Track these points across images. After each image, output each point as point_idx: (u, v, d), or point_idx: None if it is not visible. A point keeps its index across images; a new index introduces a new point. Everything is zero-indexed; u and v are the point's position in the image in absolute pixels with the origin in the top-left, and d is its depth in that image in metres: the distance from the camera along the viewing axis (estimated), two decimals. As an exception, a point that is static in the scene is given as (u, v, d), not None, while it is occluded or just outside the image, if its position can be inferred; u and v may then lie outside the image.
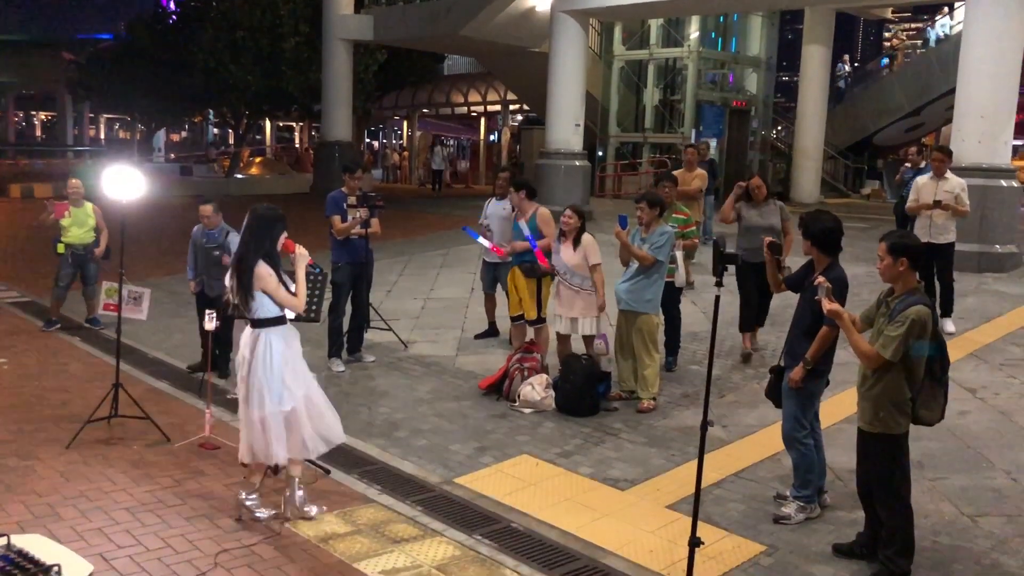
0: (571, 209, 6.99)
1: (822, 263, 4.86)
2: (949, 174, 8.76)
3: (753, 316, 8.04)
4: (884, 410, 4.21)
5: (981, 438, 6.18)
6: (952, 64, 23.90)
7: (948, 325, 8.61)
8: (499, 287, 8.78)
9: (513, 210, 8.61)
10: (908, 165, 12.01)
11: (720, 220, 8.36)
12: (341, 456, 5.86)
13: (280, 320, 4.80)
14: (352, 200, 7.91)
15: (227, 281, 4.89)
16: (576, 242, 6.90)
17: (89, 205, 9.26)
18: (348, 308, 8.08)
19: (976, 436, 6.23)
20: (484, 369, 7.81)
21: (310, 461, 5.60)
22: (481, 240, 8.06)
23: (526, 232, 7.45)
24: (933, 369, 4.17)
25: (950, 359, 4.34)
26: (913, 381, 4.16)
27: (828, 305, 4.31)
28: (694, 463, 5.79)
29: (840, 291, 4.68)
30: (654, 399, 6.82)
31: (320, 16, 23.49)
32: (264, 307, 4.75)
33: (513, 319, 7.75)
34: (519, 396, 6.87)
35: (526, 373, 6.98)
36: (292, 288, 4.83)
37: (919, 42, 31.24)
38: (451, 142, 51.27)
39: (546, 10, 19.45)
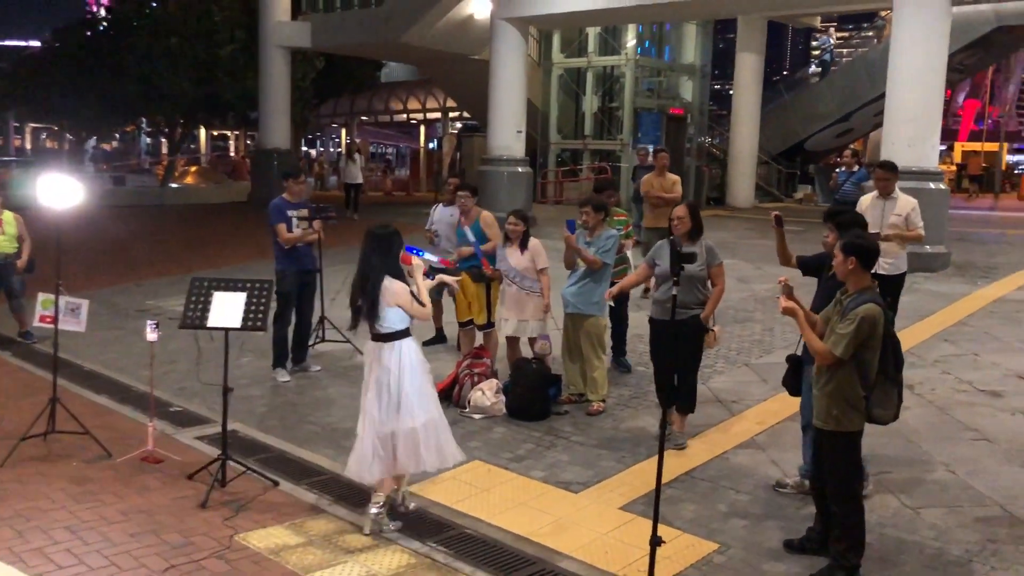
0: (514, 215, 7.02)
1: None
2: (898, 193, 7.53)
3: (668, 394, 6.15)
4: (838, 407, 4.28)
5: (920, 432, 6.34)
6: (879, 71, 24.66)
7: None
8: (445, 293, 8.74)
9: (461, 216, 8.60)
10: (842, 168, 12.29)
11: (627, 287, 6.73)
12: (289, 466, 5.78)
13: (408, 331, 4.93)
14: (304, 213, 7.82)
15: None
16: (523, 246, 6.94)
17: (9, 214, 8.97)
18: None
19: (915, 431, 6.39)
20: (432, 376, 7.73)
21: (256, 471, 5.51)
22: (427, 256, 7.98)
23: (471, 237, 7.44)
24: (887, 368, 4.24)
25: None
26: (866, 379, 4.23)
27: (783, 303, 4.38)
28: (645, 464, 5.89)
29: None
30: (603, 401, 6.86)
31: (256, 23, 23.17)
32: (392, 320, 4.85)
33: (461, 324, 7.73)
34: (469, 402, 6.84)
35: (476, 378, 6.96)
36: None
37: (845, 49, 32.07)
38: (390, 150, 51.09)
39: (486, 18, 19.51)
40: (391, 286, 4.82)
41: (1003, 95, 56.95)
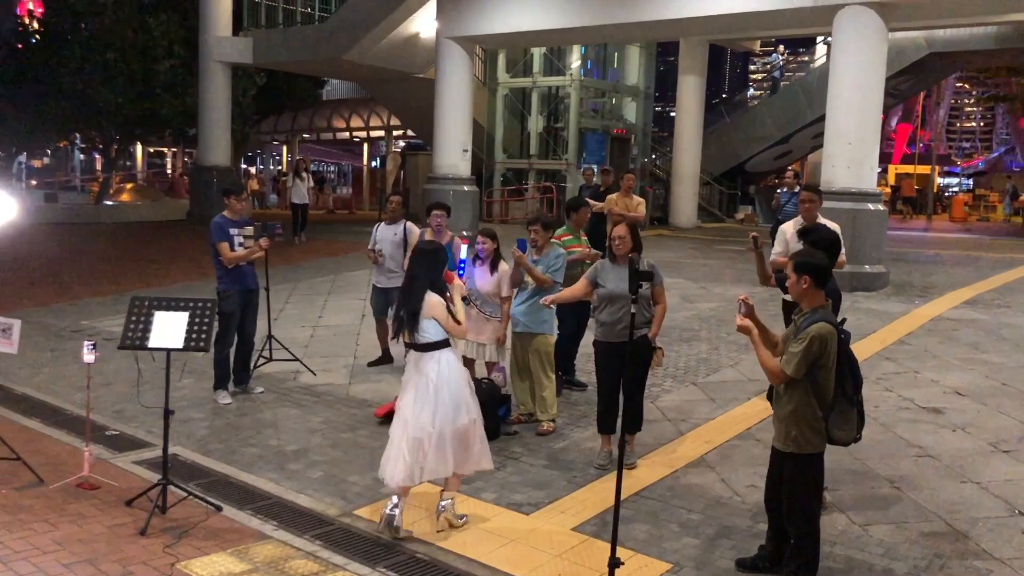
0: (483, 235, 6.91)
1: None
2: (821, 219, 6.88)
3: (613, 416, 6.15)
4: (796, 429, 4.26)
5: (866, 449, 6.41)
6: (817, 94, 25.34)
7: None
8: (391, 312, 8.62)
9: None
10: (784, 189, 12.53)
11: (563, 299, 6.53)
12: (233, 491, 5.61)
13: (448, 342, 5.14)
14: (249, 231, 7.66)
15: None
16: (493, 267, 6.84)
17: None
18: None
19: (861, 448, 6.43)
20: (379, 397, 7.64)
21: (198, 496, 5.34)
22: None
23: (462, 256, 7.28)
24: (845, 388, 4.23)
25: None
26: (823, 400, 4.22)
27: (739, 321, 4.38)
28: (596, 484, 5.85)
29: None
30: (553, 421, 6.82)
31: (196, 38, 22.81)
32: (429, 332, 5.05)
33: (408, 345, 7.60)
34: (417, 423, 6.73)
35: (424, 399, 6.85)
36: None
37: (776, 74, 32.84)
38: (332, 168, 50.67)
39: (430, 36, 19.52)
40: (430, 299, 5.05)
41: (933, 120, 58.84)
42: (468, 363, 7.13)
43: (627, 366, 5.86)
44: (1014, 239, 23.03)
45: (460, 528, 5.10)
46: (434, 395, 4.99)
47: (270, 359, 8.43)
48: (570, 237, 7.59)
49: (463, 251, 7.16)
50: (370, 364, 8.86)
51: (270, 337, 8.48)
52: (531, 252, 6.74)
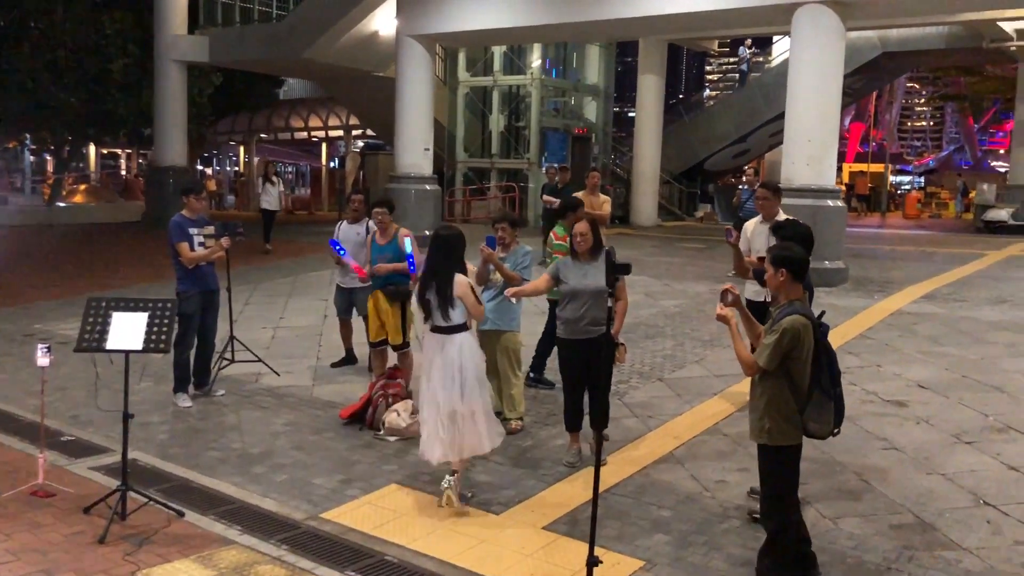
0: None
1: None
2: (781, 215, 6.84)
3: (580, 414, 6.16)
4: (770, 421, 4.25)
5: (832, 443, 6.37)
6: (774, 94, 25.59)
7: None
8: (354, 312, 8.53)
9: (368, 233, 8.38)
10: (745, 186, 12.61)
11: (526, 293, 6.25)
12: (194, 496, 5.48)
13: (467, 325, 5.41)
14: (209, 230, 7.50)
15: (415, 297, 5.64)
16: None
17: None
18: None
19: (827, 441, 6.44)
20: (344, 398, 7.52)
21: (159, 501, 5.20)
22: (347, 258, 7.75)
23: (407, 249, 7.19)
24: (821, 380, 4.21)
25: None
26: (798, 392, 4.20)
27: (719, 310, 4.36)
28: (565, 483, 5.81)
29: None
30: (521, 419, 6.76)
31: (151, 36, 22.39)
32: (456, 315, 5.33)
33: (373, 345, 7.51)
34: (384, 424, 6.64)
35: (390, 400, 6.77)
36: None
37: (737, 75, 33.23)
38: (291, 168, 50.10)
39: (390, 34, 19.36)
40: (459, 279, 5.32)
41: (885, 119, 59.87)
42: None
43: (591, 363, 5.86)
44: (966, 235, 23.48)
45: (457, 511, 5.25)
46: (460, 374, 5.25)
47: (232, 360, 8.27)
48: (563, 242, 7.58)
49: (407, 245, 7.12)
50: (333, 365, 8.73)
51: (232, 339, 8.32)
52: (498, 250, 6.66)
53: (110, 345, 5.12)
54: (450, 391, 5.25)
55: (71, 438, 6.55)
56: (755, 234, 6.92)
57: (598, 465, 4.11)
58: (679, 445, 6.51)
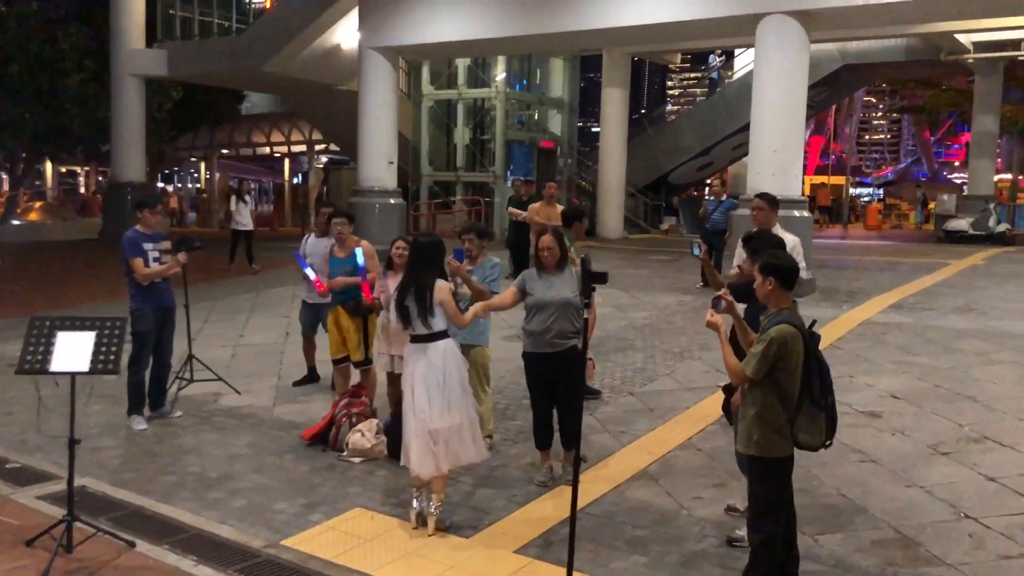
0: (402, 240, 6.61)
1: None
2: (778, 229, 6.53)
3: (550, 431, 6.00)
4: (759, 431, 4.12)
5: (808, 456, 6.25)
6: (737, 107, 25.74)
7: None
8: (320, 329, 8.30)
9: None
10: (712, 197, 12.55)
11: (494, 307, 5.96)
12: (147, 525, 5.20)
13: (448, 332, 5.26)
14: (166, 245, 7.22)
15: (392, 308, 5.30)
16: None
17: None
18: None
19: (803, 454, 6.27)
20: (306, 418, 7.27)
21: (108, 532, 4.92)
22: (308, 271, 7.52)
23: (360, 262, 6.98)
24: (812, 390, 4.07)
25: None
26: (787, 403, 4.07)
27: (709, 317, 4.24)
28: (537, 503, 5.61)
29: None
30: (490, 437, 6.54)
31: (108, 50, 21.96)
32: (440, 320, 5.17)
33: (336, 362, 7.27)
34: (347, 444, 6.40)
35: (354, 419, 6.53)
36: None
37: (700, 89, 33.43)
38: (253, 184, 49.56)
39: (353, 47, 19.14)
40: (440, 284, 5.19)
41: (844, 132, 60.71)
42: (393, 380, 6.81)
43: (559, 378, 5.72)
44: (928, 245, 23.70)
45: (446, 533, 5.11)
46: (444, 383, 5.10)
47: (191, 380, 7.98)
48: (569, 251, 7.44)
49: (359, 255, 7.02)
50: (295, 384, 8.47)
51: (190, 358, 8.02)
52: (465, 262, 6.46)
53: (54, 367, 4.83)
54: (436, 400, 5.09)
55: (17, 465, 6.23)
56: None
57: (575, 491, 3.91)
58: (653, 461, 6.34)
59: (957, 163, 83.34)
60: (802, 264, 6.16)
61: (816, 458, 6.17)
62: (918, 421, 7.07)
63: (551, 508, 5.48)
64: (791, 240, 6.32)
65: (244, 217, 16.56)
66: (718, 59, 29.30)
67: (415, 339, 5.21)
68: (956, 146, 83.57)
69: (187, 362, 7.97)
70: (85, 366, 4.86)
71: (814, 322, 4.27)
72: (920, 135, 78.33)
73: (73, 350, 4.88)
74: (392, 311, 5.33)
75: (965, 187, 37.81)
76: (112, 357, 4.93)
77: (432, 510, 5.13)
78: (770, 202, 6.64)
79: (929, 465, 6.15)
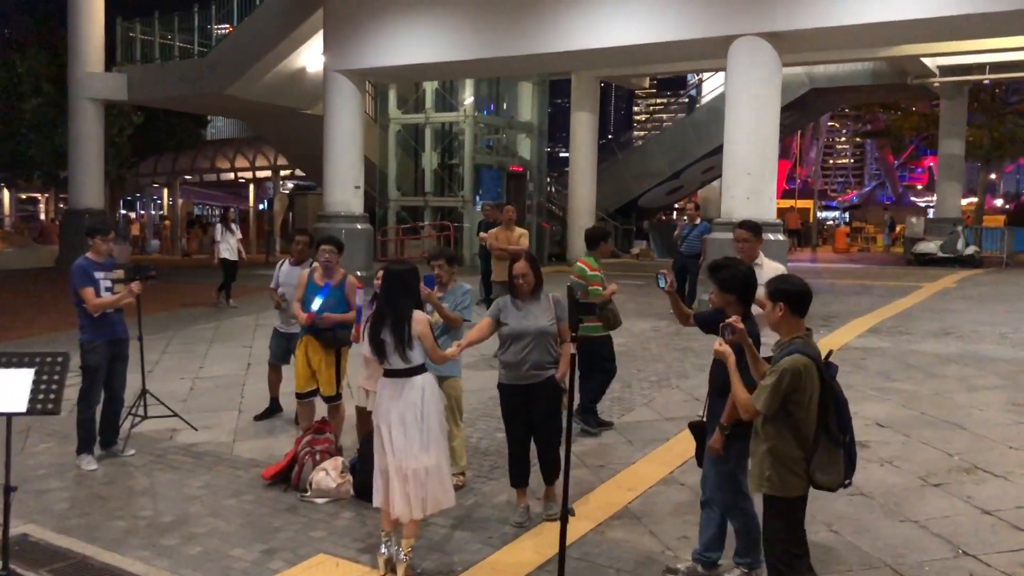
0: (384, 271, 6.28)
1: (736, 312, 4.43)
2: (763, 259, 6.19)
3: (526, 467, 5.67)
4: (772, 469, 3.84)
5: (797, 490, 6.04)
6: (706, 130, 25.80)
7: None
8: (289, 360, 7.94)
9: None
10: (685, 219, 12.35)
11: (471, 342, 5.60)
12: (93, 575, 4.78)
13: (425, 366, 4.94)
14: (119, 274, 6.82)
15: (365, 342, 4.96)
16: None
17: None
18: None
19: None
20: (268, 456, 6.87)
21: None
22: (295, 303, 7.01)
23: (360, 303, 6.55)
24: (829, 426, 3.78)
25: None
26: (801, 439, 3.79)
27: (717, 347, 3.98)
28: (514, 546, 5.25)
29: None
30: (463, 474, 6.20)
31: (66, 74, 21.47)
32: (419, 353, 4.87)
33: (301, 396, 6.88)
34: (311, 484, 6.01)
35: (318, 457, 6.14)
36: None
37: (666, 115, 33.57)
38: (217, 212, 48.93)
39: (317, 71, 18.87)
40: (417, 316, 4.88)
41: (810, 157, 61.42)
42: (364, 416, 6.44)
43: (536, 410, 5.44)
44: (898, 268, 23.77)
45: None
46: (423, 422, 4.80)
47: (145, 416, 7.54)
48: (599, 272, 7.21)
49: (359, 297, 6.49)
50: (257, 418, 8.06)
51: (144, 392, 7.59)
52: (436, 289, 6.13)
53: (-12, 407, 4.43)
54: (412, 441, 4.76)
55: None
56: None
57: (564, 523, 3.59)
58: (634, 498, 6.02)
59: (920, 186, 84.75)
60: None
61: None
62: (906, 450, 6.83)
63: (529, 551, 5.14)
64: (777, 269, 5.93)
65: (231, 246, 15.56)
66: (697, 76, 29.42)
67: (391, 373, 4.88)
68: (919, 170, 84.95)
69: (140, 397, 7.54)
70: (22, 406, 4.47)
71: (831, 352, 3.97)
72: (884, 159, 79.47)
73: (9, 389, 4.49)
74: (365, 343, 4.97)
75: (930, 210, 38.23)
76: (52, 396, 4.54)
77: (402, 556, 4.77)
78: (754, 231, 6.27)
79: (922, 498, 5.90)
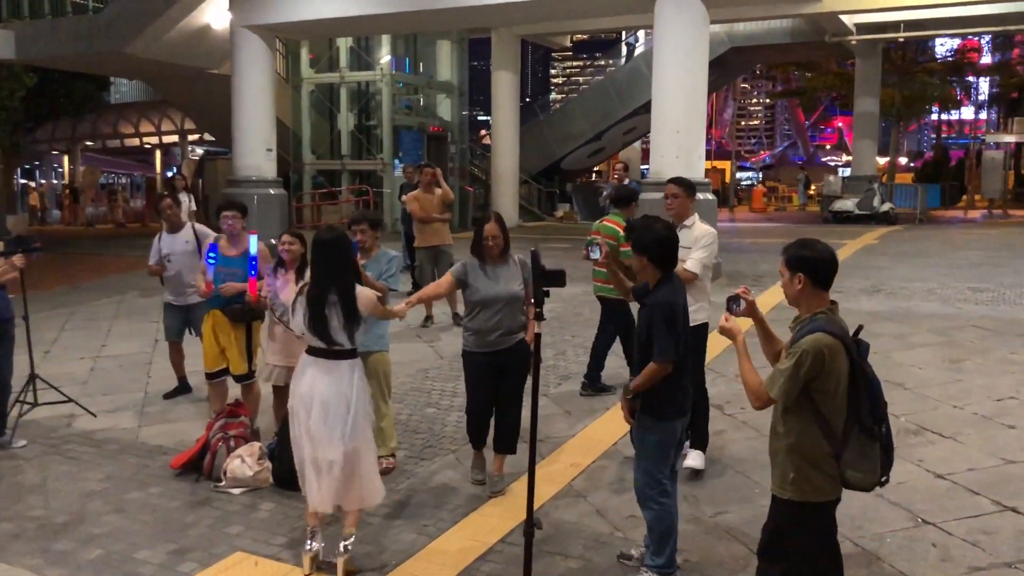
0: (289, 235, 5.71)
1: (653, 278, 4.12)
2: (695, 219, 5.65)
3: (484, 431, 5.47)
4: (795, 469, 3.30)
5: (746, 461, 5.78)
6: (627, 91, 25.54)
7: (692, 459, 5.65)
8: (190, 333, 7.34)
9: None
10: (615, 179, 11.99)
11: (426, 297, 5.86)
12: (-29, 594, 4.19)
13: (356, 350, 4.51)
14: None
15: (300, 319, 4.42)
16: (300, 274, 5.58)
17: None
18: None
19: (739, 459, 5.83)
20: (176, 442, 6.28)
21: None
22: (211, 272, 6.33)
23: (253, 251, 5.97)
24: (861, 415, 3.23)
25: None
26: (829, 431, 3.25)
27: (723, 323, 3.49)
28: (451, 533, 4.82)
29: (665, 315, 3.97)
30: (393, 456, 5.74)
31: (-55, 32, 19.87)
32: (360, 335, 4.51)
33: (210, 376, 6.29)
34: (225, 473, 5.47)
35: (232, 443, 5.60)
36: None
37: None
38: (124, 179, 46.89)
39: (224, 28, 17.82)
40: (362, 293, 4.46)
41: (723, 118, 62.08)
42: (279, 393, 5.91)
43: (504, 377, 5.18)
44: (816, 226, 24.05)
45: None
46: (348, 412, 4.37)
47: (35, 404, 6.83)
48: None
49: (252, 243, 5.92)
50: (166, 396, 7.46)
51: (33, 377, 6.87)
52: (359, 256, 5.60)
53: None
54: (333, 429, 4.33)
55: None
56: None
57: (530, 516, 3.16)
58: (578, 473, 5.67)
59: (829, 146, 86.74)
60: (696, 256, 5.46)
61: (755, 461, 5.68)
62: (852, 413, 6.64)
63: (469, 538, 4.73)
64: (707, 232, 5.59)
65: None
66: (624, 36, 29.05)
67: (319, 352, 4.42)
68: (829, 130, 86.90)
69: (29, 382, 6.83)
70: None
71: (860, 328, 3.39)
72: (795, 120, 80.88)
73: None
74: (298, 319, 4.42)
75: (840, 169, 38.97)
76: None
77: (341, 548, 4.33)
78: (686, 188, 5.68)
79: (873, 463, 5.68)
